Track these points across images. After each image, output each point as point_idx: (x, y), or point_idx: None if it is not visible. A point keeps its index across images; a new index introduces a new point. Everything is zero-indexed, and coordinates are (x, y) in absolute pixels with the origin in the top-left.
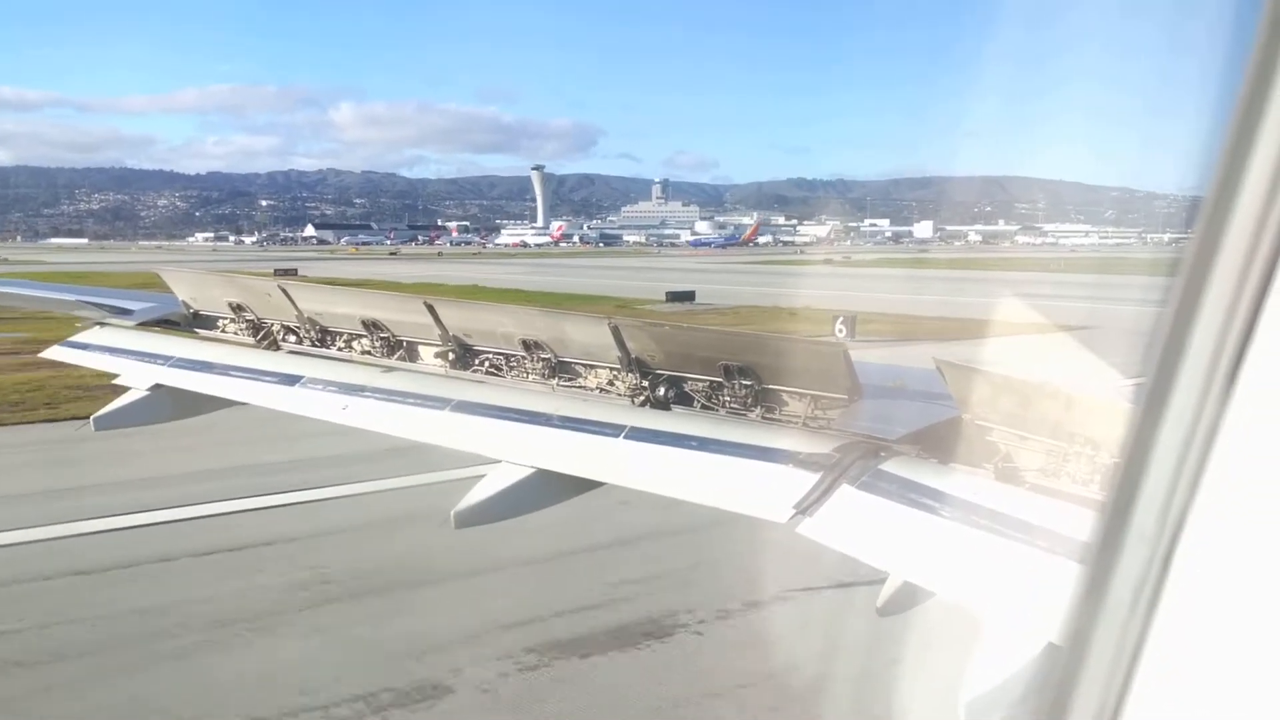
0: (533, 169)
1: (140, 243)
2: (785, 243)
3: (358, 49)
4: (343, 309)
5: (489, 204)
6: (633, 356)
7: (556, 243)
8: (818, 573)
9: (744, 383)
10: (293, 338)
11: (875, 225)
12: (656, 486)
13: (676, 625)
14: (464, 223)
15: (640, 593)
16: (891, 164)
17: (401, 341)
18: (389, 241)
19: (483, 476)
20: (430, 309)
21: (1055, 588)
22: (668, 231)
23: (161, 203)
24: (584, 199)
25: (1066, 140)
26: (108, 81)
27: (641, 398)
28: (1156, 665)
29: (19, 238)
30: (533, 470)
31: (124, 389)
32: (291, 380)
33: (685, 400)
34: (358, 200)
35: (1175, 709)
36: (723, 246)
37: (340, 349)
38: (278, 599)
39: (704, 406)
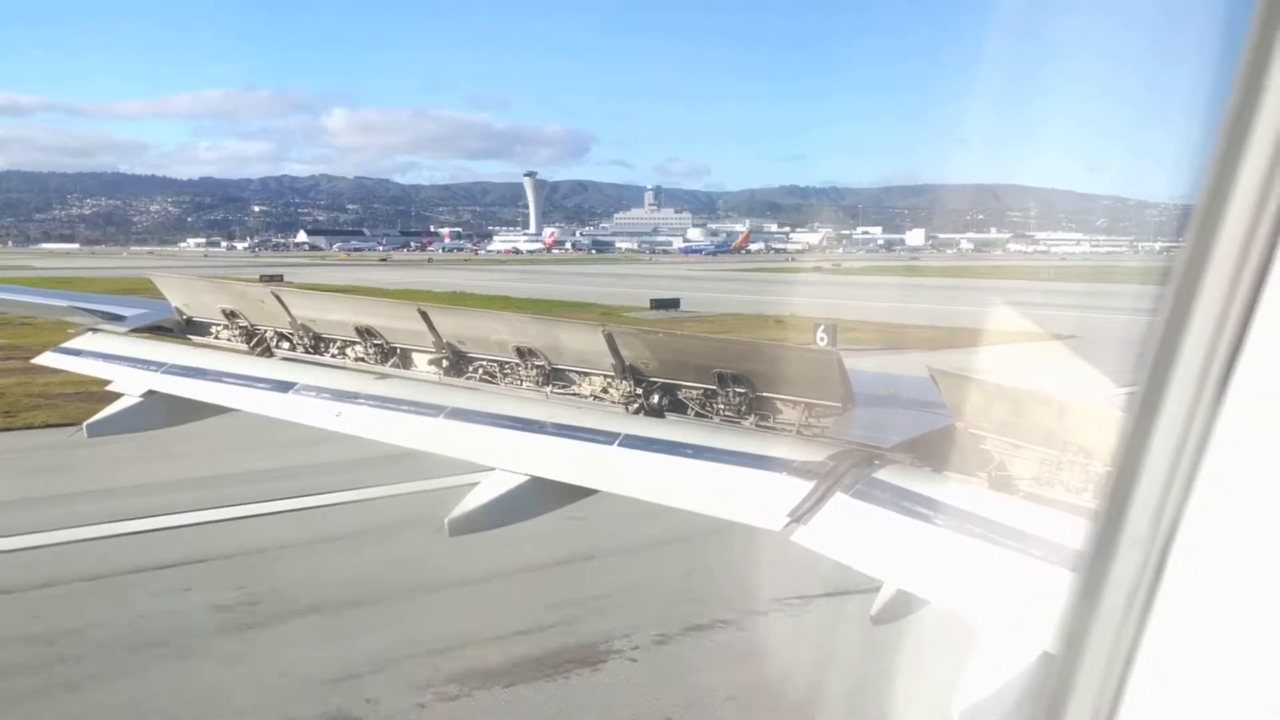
0: (525, 175)
1: (131, 248)
2: (777, 250)
3: (350, 55)
4: (336, 316)
5: (482, 210)
6: (627, 364)
7: (549, 249)
8: (787, 585)
9: (738, 390)
10: (286, 344)
11: (867, 233)
12: (650, 494)
13: (611, 651)
14: (456, 229)
15: (588, 613)
16: (885, 171)
17: (395, 348)
18: (381, 248)
19: (476, 484)
20: (424, 316)
21: (1049, 596)
22: (660, 238)
23: (154, 208)
24: (577, 205)
25: (1059, 149)
26: (100, 86)
27: (635, 405)
28: (1150, 671)
29: (10, 243)
30: (527, 478)
31: (117, 395)
32: (285, 387)
33: (679, 408)
34: (350, 206)
35: (1169, 715)
36: (713, 254)
37: (334, 356)
38: (198, 621)
39: (698, 414)
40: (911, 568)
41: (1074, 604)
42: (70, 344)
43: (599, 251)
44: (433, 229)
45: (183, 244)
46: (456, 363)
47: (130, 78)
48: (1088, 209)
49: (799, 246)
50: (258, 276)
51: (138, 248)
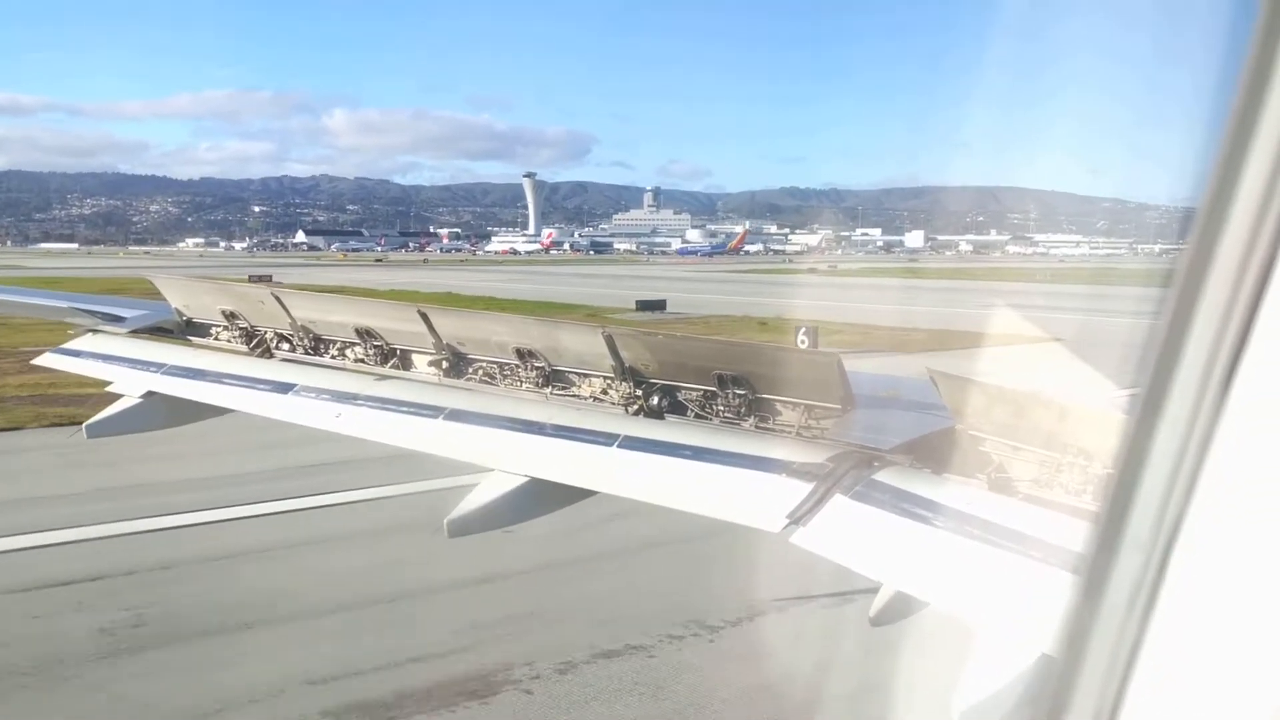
0: (525, 176)
1: (129, 248)
2: (776, 251)
3: (352, 56)
4: (336, 317)
5: (483, 211)
6: (626, 365)
7: (546, 250)
8: (746, 594)
9: (737, 392)
10: (286, 345)
11: (867, 235)
12: (650, 496)
13: (508, 681)
14: (455, 230)
15: (502, 635)
16: (885, 174)
17: (395, 350)
18: (379, 248)
19: (475, 485)
20: (424, 317)
21: (1048, 598)
22: (659, 240)
23: (154, 208)
24: (577, 207)
25: (1059, 151)
26: (101, 86)
27: (635, 407)
28: (1151, 673)
29: (9, 242)
30: (526, 479)
31: (117, 396)
32: (285, 388)
33: (679, 409)
34: (351, 206)
35: (1171, 715)
36: (709, 255)
37: (334, 357)
38: (76, 646)
39: (698, 416)
40: (911, 569)
41: (1075, 605)
42: (70, 345)
43: (597, 253)
44: (432, 230)
45: (181, 244)
46: (456, 364)
47: (131, 78)
48: (1088, 211)
49: (798, 248)
50: (247, 277)
51: (136, 248)
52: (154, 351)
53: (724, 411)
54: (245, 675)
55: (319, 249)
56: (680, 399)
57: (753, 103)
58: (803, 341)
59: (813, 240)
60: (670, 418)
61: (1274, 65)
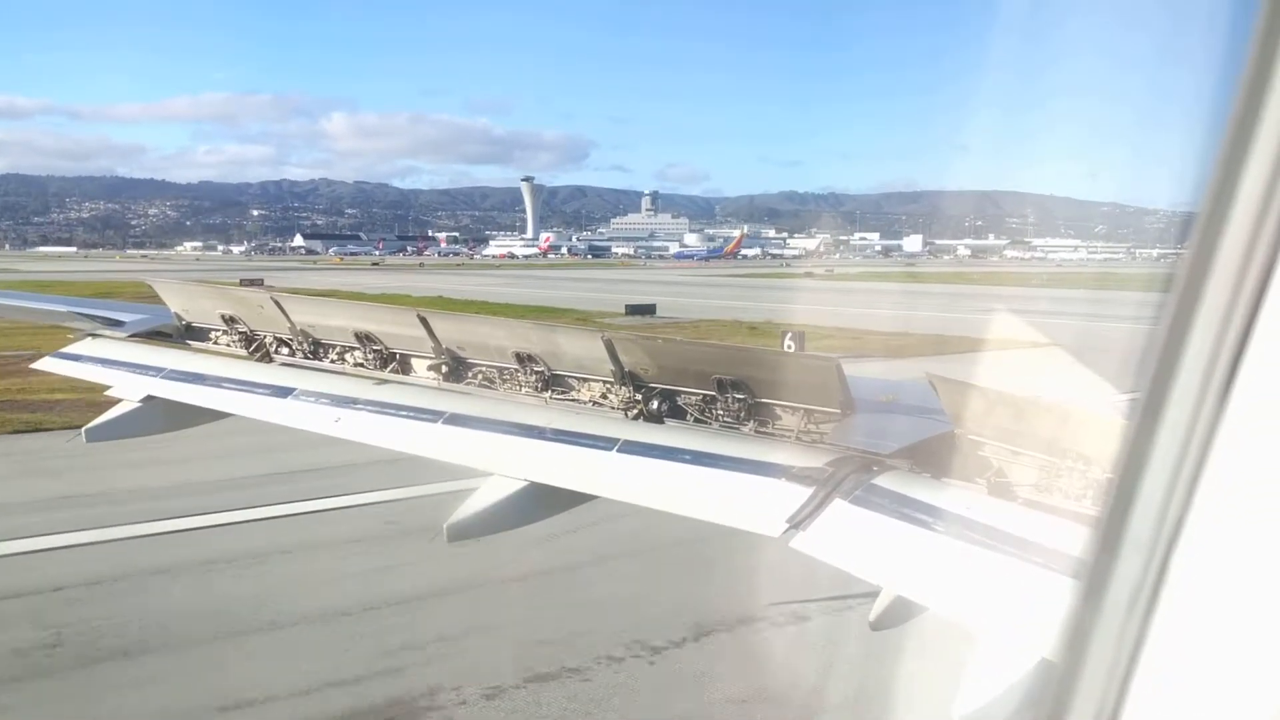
0: (523, 180)
1: (127, 252)
2: (774, 255)
3: (350, 59)
4: (336, 321)
5: (481, 215)
6: (626, 370)
7: (544, 254)
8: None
9: (737, 396)
10: (285, 350)
11: (865, 239)
12: (649, 500)
13: (432, 708)
14: (453, 234)
15: (434, 656)
16: (884, 178)
17: (394, 354)
18: (377, 252)
19: (474, 490)
20: (423, 322)
21: (1048, 602)
22: (656, 244)
23: (152, 211)
24: (575, 211)
25: (1058, 155)
26: (99, 89)
27: (635, 411)
28: (1152, 676)
29: (7, 246)
30: (525, 483)
31: (116, 400)
32: (284, 392)
33: (678, 414)
34: (349, 210)
35: (1172, 717)
36: (705, 259)
37: (333, 361)
38: None
39: (697, 420)
40: (911, 574)
41: (1076, 609)
42: (69, 349)
43: (595, 256)
44: (431, 233)
45: (179, 248)
46: (456, 368)
47: (129, 81)
48: (1087, 215)
49: (795, 252)
50: (238, 280)
51: (133, 251)
52: (153, 356)
53: (723, 416)
54: (152, 700)
55: (317, 253)
56: (680, 403)
57: (751, 106)
58: (789, 346)
59: (811, 244)
60: (670, 422)
61: (1274, 68)
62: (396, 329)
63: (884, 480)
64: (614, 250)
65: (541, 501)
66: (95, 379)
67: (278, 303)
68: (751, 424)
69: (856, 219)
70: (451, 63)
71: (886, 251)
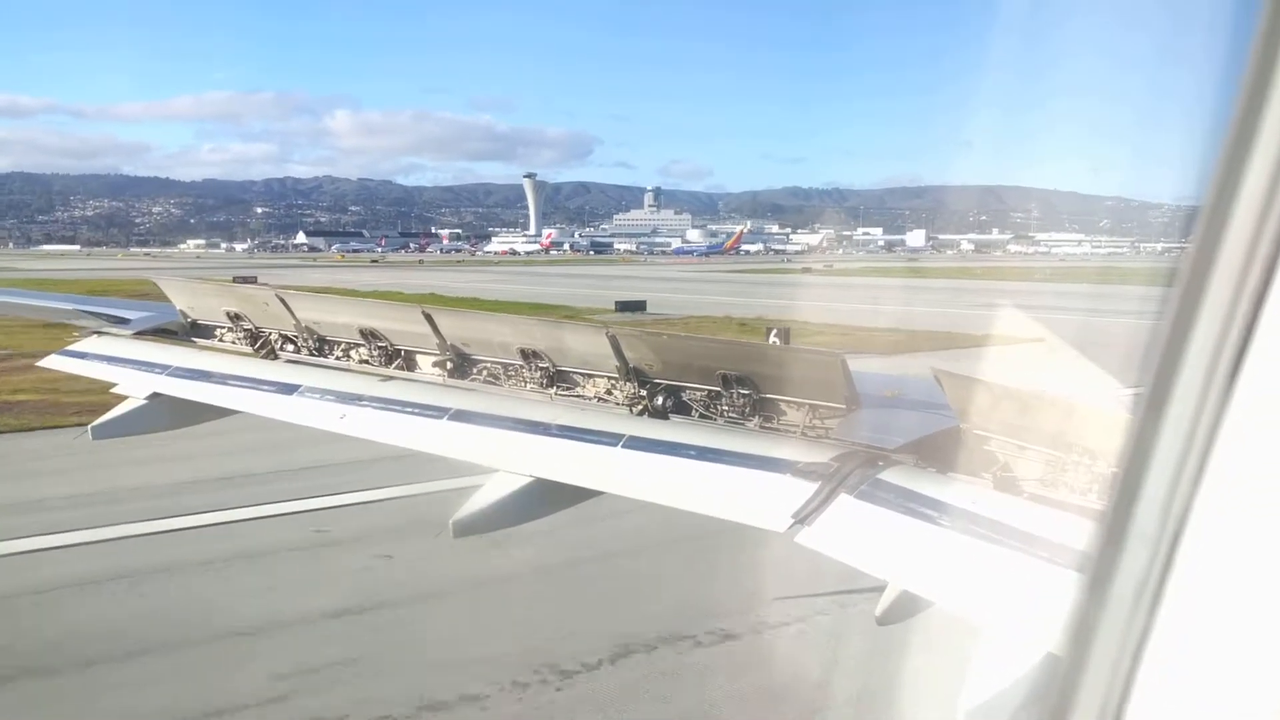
0: (525, 177)
1: (130, 250)
2: (777, 251)
3: (353, 57)
4: (341, 318)
5: (485, 211)
6: (630, 366)
7: (546, 250)
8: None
9: (742, 392)
10: (290, 347)
11: (868, 234)
12: (654, 496)
13: None
14: (456, 230)
15: (326, 682)
16: (887, 173)
17: (399, 350)
18: (380, 249)
19: (479, 486)
20: (428, 318)
21: (1054, 596)
22: (659, 240)
23: (156, 210)
24: (579, 207)
25: (1063, 150)
26: (103, 88)
27: (639, 407)
28: (1157, 669)
29: (11, 244)
30: (531, 479)
31: (122, 398)
32: (289, 389)
33: (683, 409)
34: (353, 207)
35: (1177, 710)
36: (705, 255)
37: (338, 358)
38: None
39: (702, 416)
40: (916, 569)
41: (1081, 602)
42: (75, 347)
43: (597, 253)
44: (434, 230)
45: (183, 245)
46: (460, 365)
47: (133, 80)
48: (1091, 210)
49: (798, 248)
50: (232, 278)
51: (136, 249)
52: (159, 353)
53: (728, 411)
54: None
55: (319, 250)
56: (685, 399)
57: (755, 102)
58: (774, 343)
59: (814, 240)
60: (675, 418)
61: (1276, 64)
62: (401, 325)
63: (889, 475)
64: (616, 247)
65: (547, 497)
66: (101, 376)
67: (283, 300)
68: (756, 419)
69: (860, 214)
70: (453, 60)
71: (890, 247)
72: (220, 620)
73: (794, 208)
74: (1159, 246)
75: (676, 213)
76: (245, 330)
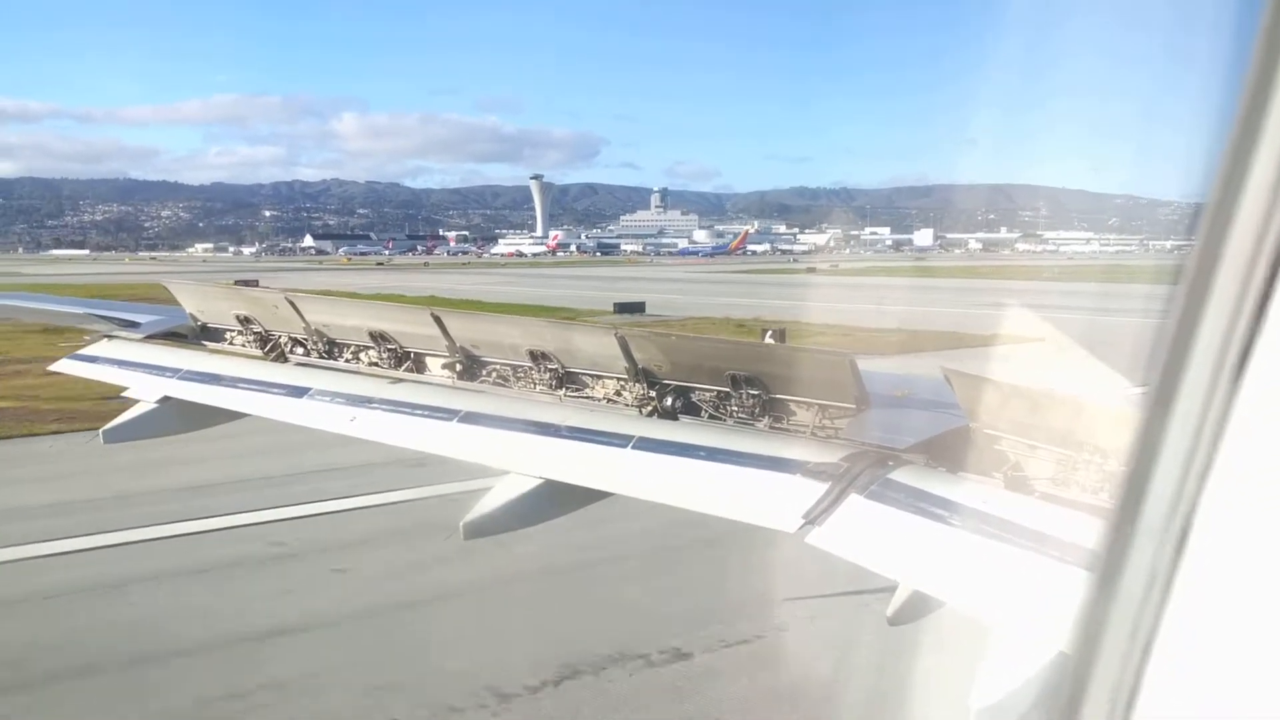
0: (532, 179)
1: (138, 254)
2: (783, 251)
3: (359, 59)
4: (350, 321)
5: (492, 213)
6: (640, 367)
7: (553, 252)
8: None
9: (751, 392)
10: (300, 350)
11: (876, 233)
12: (664, 497)
13: None
14: (463, 233)
15: (249, 708)
16: (894, 172)
17: (409, 353)
18: (387, 251)
19: (489, 488)
20: (437, 320)
21: (1065, 595)
22: (666, 240)
23: (165, 213)
24: (586, 208)
25: (1070, 148)
26: (110, 92)
27: (649, 408)
28: (1166, 665)
29: (20, 249)
30: (541, 481)
31: (133, 401)
32: (299, 392)
33: (692, 410)
34: (361, 210)
35: (1186, 706)
36: (710, 255)
37: (348, 360)
38: None
39: (711, 416)
40: (927, 568)
41: (1090, 599)
42: (86, 350)
43: (604, 254)
44: (441, 232)
45: (190, 249)
46: (470, 367)
47: (139, 84)
48: (1099, 208)
49: (805, 248)
50: (233, 282)
51: (143, 253)
52: (169, 357)
53: (738, 412)
54: None
55: (327, 253)
56: (694, 400)
57: (761, 102)
58: (769, 343)
59: (821, 240)
60: (684, 418)
61: None
62: (411, 328)
63: (899, 475)
64: (623, 248)
65: (557, 499)
66: (112, 380)
67: (292, 303)
68: (766, 420)
69: (867, 213)
70: (459, 62)
71: (897, 246)
72: (161, 639)
73: (801, 207)
74: (1168, 244)
75: (683, 213)
76: (255, 333)
